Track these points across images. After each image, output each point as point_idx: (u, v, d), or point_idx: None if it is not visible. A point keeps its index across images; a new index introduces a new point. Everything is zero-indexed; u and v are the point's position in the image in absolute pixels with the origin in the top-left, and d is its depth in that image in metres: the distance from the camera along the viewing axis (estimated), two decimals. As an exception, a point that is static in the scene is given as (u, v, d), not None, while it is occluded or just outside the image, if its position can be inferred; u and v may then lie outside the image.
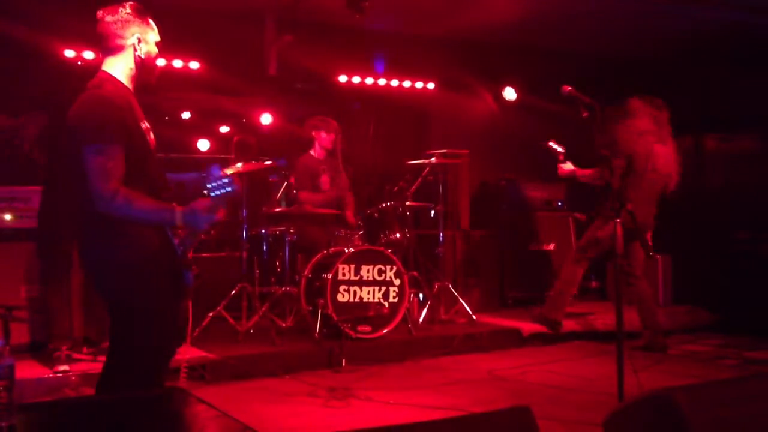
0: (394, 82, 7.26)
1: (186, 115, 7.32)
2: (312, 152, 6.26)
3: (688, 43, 7.14)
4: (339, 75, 7.03)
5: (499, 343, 5.91)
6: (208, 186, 2.61)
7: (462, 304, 6.27)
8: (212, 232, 6.42)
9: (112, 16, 2.82)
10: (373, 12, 5.69)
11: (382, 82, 7.20)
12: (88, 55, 5.90)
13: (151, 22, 2.85)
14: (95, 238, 2.79)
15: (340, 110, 8.09)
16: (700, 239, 6.74)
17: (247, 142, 6.46)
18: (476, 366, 5.29)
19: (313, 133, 6.23)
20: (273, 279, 6.10)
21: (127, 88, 2.84)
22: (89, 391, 4.45)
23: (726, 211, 4.69)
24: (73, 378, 4.48)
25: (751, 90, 6.73)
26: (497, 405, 4.27)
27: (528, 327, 6.07)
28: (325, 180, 6.18)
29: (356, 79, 7.08)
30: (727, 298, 5.27)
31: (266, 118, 7.83)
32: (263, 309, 5.64)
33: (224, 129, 9.47)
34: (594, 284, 8.05)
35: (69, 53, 5.89)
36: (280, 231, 6.00)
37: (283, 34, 6.54)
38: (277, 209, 6.04)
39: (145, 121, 2.88)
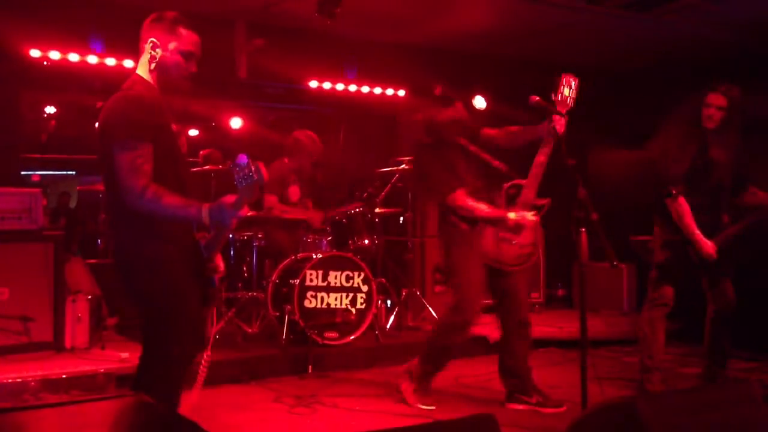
0: (365, 89, 7.27)
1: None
2: (286, 160, 6.21)
3: (652, 56, 7.27)
4: (310, 80, 7.02)
5: (466, 350, 5.91)
6: (236, 177, 2.63)
7: (429, 310, 6.28)
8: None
9: (146, 21, 2.95)
10: (345, 18, 5.69)
11: (353, 88, 7.20)
12: (54, 55, 5.81)
13: (179, 30, 2.91)
14: (126, 236, 2.85)
15: (311, 116, 8.09)
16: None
17: (215, 155, 6.42)
18: (442, 373, 5.28)
19: (296, 150, 6.13)
20: (240, 284, 6.06)
21: (156, 89, 2.93)
22: (49, 396, 4.37)
23: (749, 226, 4.70)
24: (33, 383, 4.40)
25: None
26: (462, 412, 4.29)
27: (495, 334, 6.09)
28: (294, 191, 6.15)
29: (327, 85, 7.07)
30: (688, 306, 5.33)
31: (236, 122, 7.79)
32: (229, 314, 5.59)
33: (193, 132, 9.44)
34: (560, 292, 8.14)
35: (35, 53, 5.80)
36: (247, 236, 5.97)
37: (254, 39, 6.52)
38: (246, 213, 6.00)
39: (175, 124, 2.96)
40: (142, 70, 2.93)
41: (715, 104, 4.46)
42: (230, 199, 2.68)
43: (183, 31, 2.91)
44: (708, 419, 2.17)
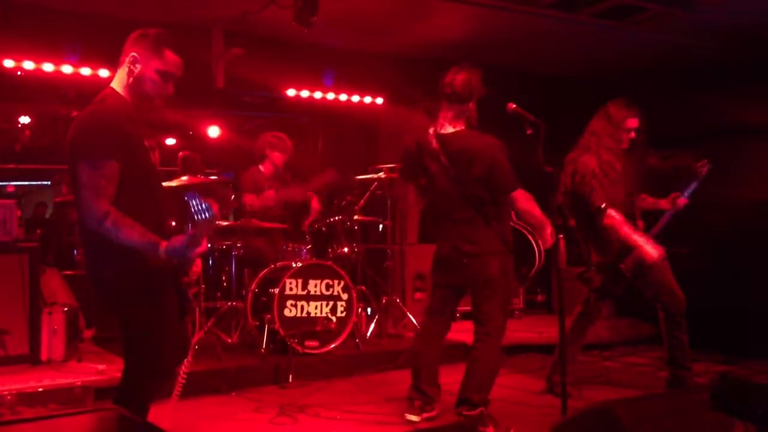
0: (343, 97, 7.28)
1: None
2: (261, 167, 6.24)
3: (627, 63, 7.35)
4: (287, 89, 7.01)
5: (447, 357, 5.90)
6: (191, 211, 2.60)
7: (410, 318, 6.29)
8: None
9: (131, 36, 2.91)
10: (322, 27, 5.69)
11: (330, 96, 7.21)
12: (28, 65, 5.76)
13: (163, 50, 2.87)
14: (96, 250, 2.81)
15: (289, 124, 8.07)
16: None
17: (193, 158, 6.40)
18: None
19: (267, 151, 6.22)
20: (219, 294, 6.02)
21: (130, 103, 2.88)
22: (26, 410, 4.31)
23: (666, 226, 4.84)
24: (9, 397, 4.33)
25: (691, 110, 6.98)
26: (443, 419, 4.30)
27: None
28: (269, 195, 6.15)
29: (305, 93, 7.07)
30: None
31: (214, 131, 7.76)
32: (209, 324, 5.55)
33: (170, 141, 9.39)
34: (540, 298, 8.18)
35: (8, 63, 5.74)
36: (226, 245, 5.93)
37: (231, 47, 6.50)
38: (224, 223, 5.98)
39: (148, 139, 2.96)
40: (118, 84, 2.89)
41: (635, 128, 4.68)
42: (181, 239, 2.64)
43: (166, 51, 2.87)
44: (686, 423, 2.20)
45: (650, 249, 4.48)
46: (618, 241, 4.52)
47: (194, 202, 2.60)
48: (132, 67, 2.86)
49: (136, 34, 2.90)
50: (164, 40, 2.88)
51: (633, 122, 4.68)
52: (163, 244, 2.65)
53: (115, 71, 2.95)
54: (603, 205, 4.46)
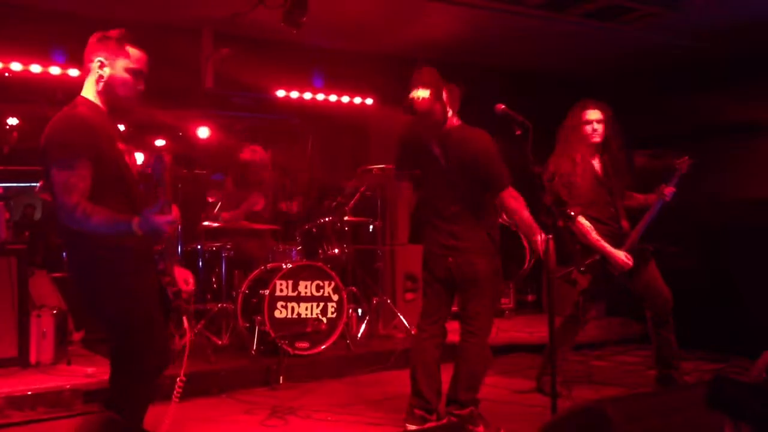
0: (333, 98, 7.27)
1: (119, 128, 7.20)
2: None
3: (615, 64, 7.39)
4: (277, 89, 7.00)
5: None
6: (154, 173, 2.68)
7: (400, 318, 6.29)
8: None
9: (92, 40, 2.90)
10: (311, 27, 5.69)
11: (320, 97, 7.20)
12: (15, 66, 5.72)
13: (127, 48, 2.87)
14: (78, 250, 2.81)
15: (279, 125, 8.07)
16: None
17: (188, 155, 6.40)
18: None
19: (243, 164, 6.25)
20: (209, 295, 6.01)
21: (102, 109, 2.88)
22: (15, 414, 4.28)
23: (654, 226, 4.86)
24: (-2, 401, 4.31)
25: (681, 109, 7.02)
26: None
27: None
28: (259, 201, 6.15)
29: (294, 94, 7.06)
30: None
31: (203, 132, 7.74)
32: (199, 326, 5.54)
33: (160, 142, 9.35)
34: (530, 297, 8.20)
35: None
36: (216, 246, 5.92)
37: (220, 48, 6.49)
38: (215, 224, 5.96)
39: (122, 143, 2.92)
40: (88, 91, 2.89)
41: (594, 119, 4.65)
42: (151, 209, 2.67)
43: (131, 49, 2.87)
44: (676, 421, 2.20)
45: (620, 256, 4.51)
46: (584, 247, 4.55)
47: (156, 160, 2.66)
48: (100, 71, 2.86)
49: (96, 38, 2.89)
50: (127, 38, 2.88)
51: (588, 113, 4.66)
52: (136, 219, 2.65)
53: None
54: (572, 213, 4.49)
